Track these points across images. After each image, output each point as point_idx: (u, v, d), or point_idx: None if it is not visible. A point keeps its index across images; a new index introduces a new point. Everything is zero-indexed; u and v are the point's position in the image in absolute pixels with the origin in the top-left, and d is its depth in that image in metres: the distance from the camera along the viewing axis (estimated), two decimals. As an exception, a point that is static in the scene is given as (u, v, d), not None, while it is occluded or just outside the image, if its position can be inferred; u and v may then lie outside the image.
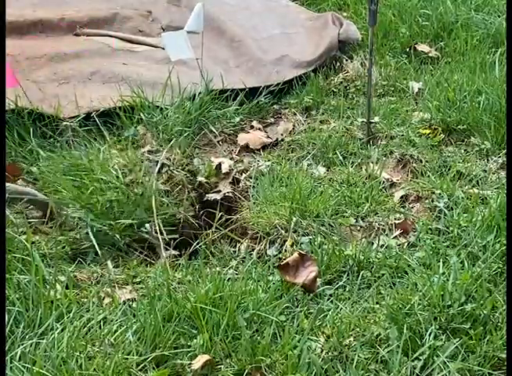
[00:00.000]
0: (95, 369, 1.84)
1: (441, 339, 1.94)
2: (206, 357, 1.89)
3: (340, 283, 2.21)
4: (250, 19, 3.93)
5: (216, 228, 2.61)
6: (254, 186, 2.74)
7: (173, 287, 2.14)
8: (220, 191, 2.75)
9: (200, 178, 2.77)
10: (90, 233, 2.41)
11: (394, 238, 2.42)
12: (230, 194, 2.73)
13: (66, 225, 2.45)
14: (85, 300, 2.11)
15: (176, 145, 2.88)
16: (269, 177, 2.73)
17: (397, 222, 2.49)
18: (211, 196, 2.73)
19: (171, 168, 2.76)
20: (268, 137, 3.10)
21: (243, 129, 3.15)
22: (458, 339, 1.94)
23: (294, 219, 2.46)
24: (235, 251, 2.49)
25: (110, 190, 2.54)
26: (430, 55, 3.75)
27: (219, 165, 2.84)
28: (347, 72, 3.54)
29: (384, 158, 2.88)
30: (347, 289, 2.19)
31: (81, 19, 3.65)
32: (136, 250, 2.47)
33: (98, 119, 2.95)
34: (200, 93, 3.15)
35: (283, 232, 2.46)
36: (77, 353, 1.90)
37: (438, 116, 3.10)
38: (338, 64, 3.62)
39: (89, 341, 1.94)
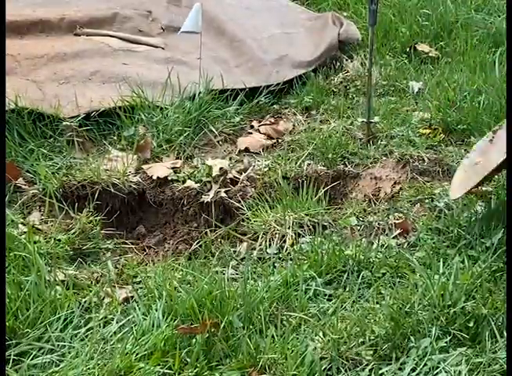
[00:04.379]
0: (94, 369, 1.85)
1: (442, 339, 1.95)
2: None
3: (341, 283, 2.21)
4: (250, 19, 3.93)
5: (215, 229, 2.62)
6: (253, 187, 2.74)
7: (173, 286, 2.14)
8: (216, 192, 2.74)
9: (189, 183, 2.76)
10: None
11: (394, 238, 2.42)
12: (225, 194, 2.73)
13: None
14: (85, 300, 2.11)
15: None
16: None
17: (397, 221, 2.49)
18: (207, 197, 2.73)
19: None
20: (268, 138, 3.09)
21: (243, 129, 3.15)
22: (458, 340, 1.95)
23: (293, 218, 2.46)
24: (235, 251, 2.49)
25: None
26: (430, 55, 3.75)
27: (216, 167, 2.84)
28: (348, 72, 3.54)
29: (384, 158, 2.88)
30: (347, 289, 2.19)
31: (81, 19, 3.64)
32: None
33: (98, 119, 2.96)
34: (200, 93, 3.15)
35: (283, 231, 2.46)
36: (78, 353, 1.91)
37: (438, 116, 3.10)
38: (338, 64, 3.61)
39: (89, 341, 1.95)
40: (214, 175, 2.79)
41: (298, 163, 2.87)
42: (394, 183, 2.75)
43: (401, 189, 2.71)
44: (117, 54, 3.45)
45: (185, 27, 3.18)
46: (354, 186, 2.80)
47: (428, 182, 2.73)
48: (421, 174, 2.78)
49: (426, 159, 2.82)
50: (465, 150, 2.93)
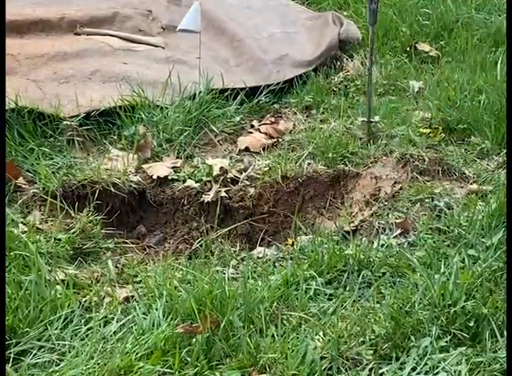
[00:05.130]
0: (95, 368, 1.85)
1: (442, 339, 1.95)
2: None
3: (341, 282, 2.21)
4: (250, 19, 3.93)
5: (216, 228, 2.62)
6: (253, 186, 2.74)
7: (174, 285, 2.14)
8: (216, 192, 2.74)
9: (190, 183, 2.76)
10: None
11: (394, 237, 2.41)
12: (225, 194, 2.74)
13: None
14: (85, 299, 2.11)
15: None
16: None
17: (397, 221, 2.49)
18: (207, 197, 2.73)
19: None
20: (268, 138, 3.09)
21: (243, 128, 3.15)
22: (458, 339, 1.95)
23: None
24: (235, 251, 2.49)
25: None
26: (430, 54, 3.75)
27: (216, 166, 2.84)
28: (348, 71, 3.54)
29: (385, 157, 2.88)
30: (347, 288, 2.19)
31: (82, 19, 3.64)
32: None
33: (98, 118, 2.96)
34: (200, 92, 3.15)
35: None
36: (78, 352, 1.91)
37: (438, 115, 3.10)
38: (339, 63, 3.61)
39: (89, 340, 1.95)
40: (214, 174, 2.79)
41: (298, 162, 2.87)
42: (395, 183, 2.75)
43: (401, 188, 2.71)
44: (118, 53, 3.45)
45: (182, 25, 3.18)
46: (354, 186, 2.79)
47: (428, 181, 2.73)
48: (421, 173, 2.78)
49: (426, 158, 2.82)
50: (465, 149, 2.94)
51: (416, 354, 1.91)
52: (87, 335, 1.98)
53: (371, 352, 1.92)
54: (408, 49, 3.76)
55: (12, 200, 2.55)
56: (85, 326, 2.01)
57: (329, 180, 2.81)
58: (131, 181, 2.75)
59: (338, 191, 2.83)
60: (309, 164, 2.86)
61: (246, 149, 3.01)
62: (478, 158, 2.88)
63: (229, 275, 2.24)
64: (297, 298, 2.12)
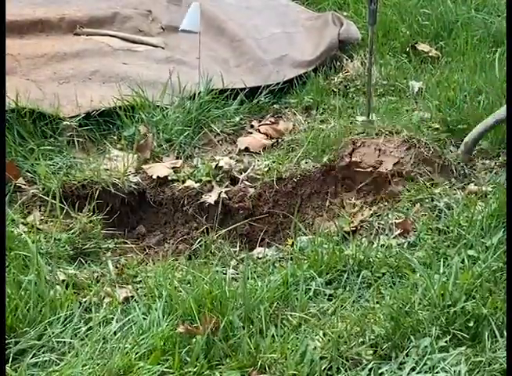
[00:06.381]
0: (94, 368, 1.85)
1: (442, 339, 1.95)
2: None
3: (341, 282, 2.22)
4: (250, 19, 3.93)
5: (216, 229, 2.62)
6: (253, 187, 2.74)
7: (173, 285, 2.14)
8: (217, 192, 2.74)
9: (190, 183, 2.77)
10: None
11: (394, 238, 2.41)
12: (226, 195, 2.74)
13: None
14: (85, 299, 2.11)
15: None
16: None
17: (397, 221, 2.49)
18: (207, 198, 2.73)
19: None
20: (268, 138, 3.09)
21: (243, 129, 3.15)
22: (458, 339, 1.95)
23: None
24: (235, 251, 2.49)
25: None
26: (430, 54, 3.75)
27: (217, 165, 2.84)
28: (348, 71, 3.54)
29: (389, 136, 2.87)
30: (347, 289, 2.19)
31: (81, 19, 3.64)
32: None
33: (98, 118, 2.96)
34: (200, 93, 3.15)
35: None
36: (78, 352, 1.91)
37: (438, 115, 3.10)
38: (338, 64, 3.61)
39: (89, 340, 1.95)
40: (217, 172, 2.79)
41: (297, 162, 2.86)
42: (398, 162, 2.72)
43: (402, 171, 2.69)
44: (117, 54, 3.45)
45: (184, 25, 3.19)
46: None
47: (428, 181, 2.73)
48: (421, 175, 2.77)
49: (432, 149, 2.79)
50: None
51: (415, 354, 1.92)
52: (87, 335, 1.98)
53: (371, 352, 1.93)
54: (407, 50, 3.76)
55: (12, 201, 2.55)
56: (85, 326, 2.01)
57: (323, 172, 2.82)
58: (131, 181, 2.76)
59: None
60: (306, 162, 2.86)
61: (246, 149, 3.01)
62: (478, 158, 2.88)
63: (229, 275, 2.24)
64: (297, 299, 2.12)
